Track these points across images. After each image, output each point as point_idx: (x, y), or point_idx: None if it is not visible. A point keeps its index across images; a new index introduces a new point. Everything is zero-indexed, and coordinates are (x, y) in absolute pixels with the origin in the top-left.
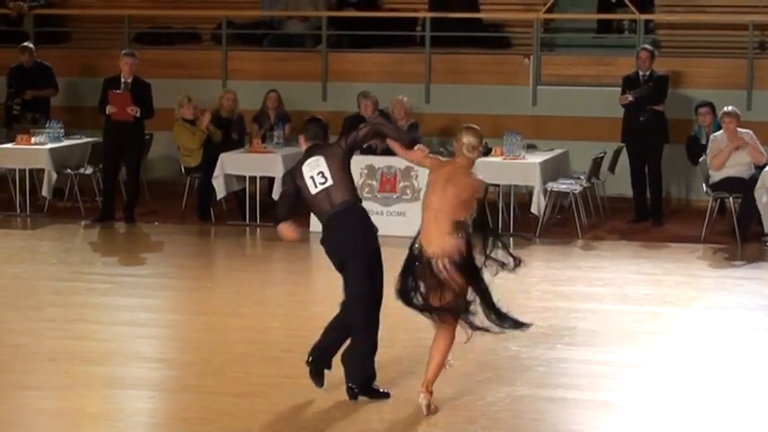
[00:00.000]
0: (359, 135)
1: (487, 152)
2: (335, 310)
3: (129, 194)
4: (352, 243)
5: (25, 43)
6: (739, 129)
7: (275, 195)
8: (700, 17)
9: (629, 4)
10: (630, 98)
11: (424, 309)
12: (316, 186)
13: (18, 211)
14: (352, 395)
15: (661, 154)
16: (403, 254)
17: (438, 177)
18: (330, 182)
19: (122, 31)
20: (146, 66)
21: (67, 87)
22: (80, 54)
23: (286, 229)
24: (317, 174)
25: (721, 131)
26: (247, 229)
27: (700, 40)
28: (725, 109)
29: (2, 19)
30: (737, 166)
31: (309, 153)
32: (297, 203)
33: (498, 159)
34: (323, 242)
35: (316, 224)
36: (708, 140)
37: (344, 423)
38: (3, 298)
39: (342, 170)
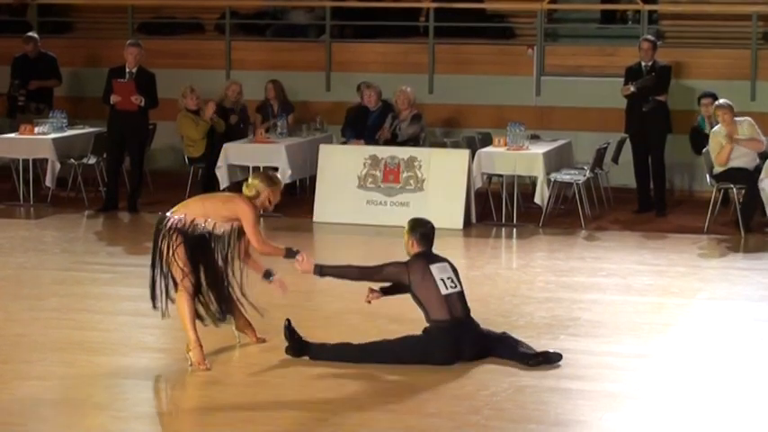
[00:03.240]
0: None
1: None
2: (338, 301)
3: (133, 184)
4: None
5: (30, 33)
6: (737, 118)
7: None
8: (703, 8)
9: None
10: (632, 89)
11: None
12: (446, 288)
13: (21, 200)
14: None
15: (664, 145)
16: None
17: None
18: (459, 288)
19: (126, 21)
20: (149, 56)
21: (71, 77)
22: (84, 44)
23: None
24: (446, 278)
25: (719, 125)
26: None
27: (703, 30)
28: (716, 103)
29: (5, 9)
30: (742, 157)
31: (429, 257)
32: (391, 286)
33: (502, 150)
34: (443, 339)
35: (317, 215)
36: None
37: (349, 411)
38: (6, 288)
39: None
